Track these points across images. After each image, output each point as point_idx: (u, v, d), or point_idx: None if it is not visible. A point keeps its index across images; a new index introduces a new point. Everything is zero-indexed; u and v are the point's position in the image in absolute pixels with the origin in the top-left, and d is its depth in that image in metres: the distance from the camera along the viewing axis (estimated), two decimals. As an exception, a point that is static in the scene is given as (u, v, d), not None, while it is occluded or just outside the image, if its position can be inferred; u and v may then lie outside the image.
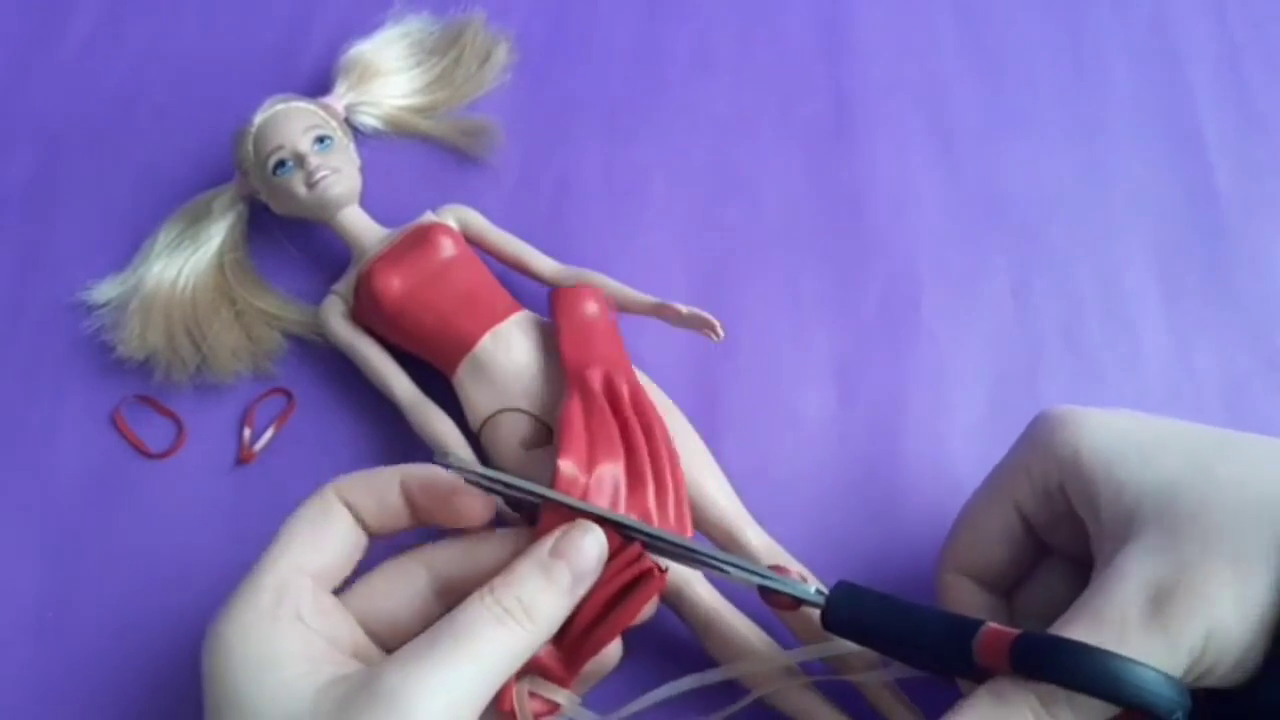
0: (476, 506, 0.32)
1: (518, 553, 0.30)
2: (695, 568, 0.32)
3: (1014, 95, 0.49)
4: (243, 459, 0.42)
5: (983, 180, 0.47)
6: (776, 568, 0.32)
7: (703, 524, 0.38)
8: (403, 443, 0.41)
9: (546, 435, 0.38)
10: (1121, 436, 0.30)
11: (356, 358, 0.41)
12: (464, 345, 0.39)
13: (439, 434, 0.39)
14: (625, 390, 0.37)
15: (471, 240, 0.43)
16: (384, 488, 0.32)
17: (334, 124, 0.44)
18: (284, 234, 0.45)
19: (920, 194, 0.47)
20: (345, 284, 0.42)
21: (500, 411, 0.39)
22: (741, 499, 0.38)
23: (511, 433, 0.38)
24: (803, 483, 0.41)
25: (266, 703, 0.27)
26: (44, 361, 0.44)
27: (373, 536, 0.32)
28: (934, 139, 0.48)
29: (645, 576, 0.30)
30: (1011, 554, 0.33)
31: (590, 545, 0.30)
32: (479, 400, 0.39)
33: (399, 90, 0.48)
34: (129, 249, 0.45)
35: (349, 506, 0.32)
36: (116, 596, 0.39)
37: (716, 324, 0.39)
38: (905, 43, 0.50)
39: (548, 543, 0.30)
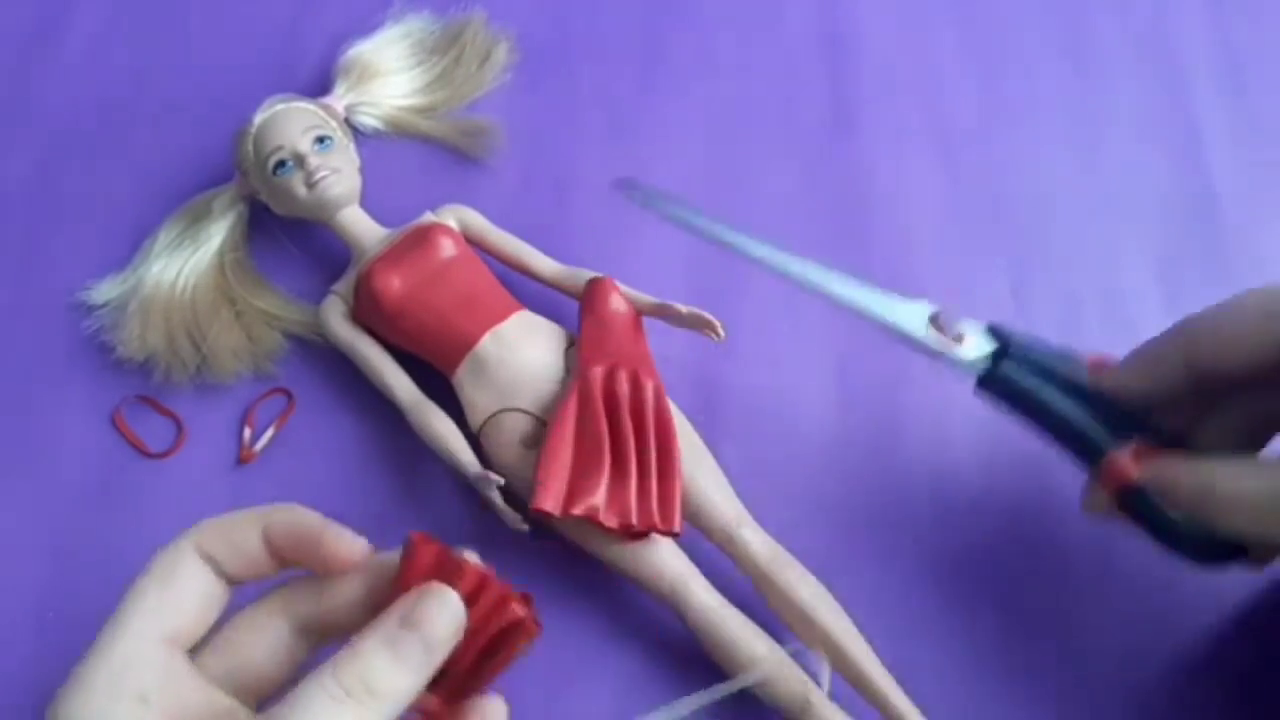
0: (346, 550, 0.28)
1: (375, 590, 0.28)
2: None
3: (1014, 95, 0.49)
4: (243, 459, 0.42)
5: (983, 180, 0.47)
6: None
7: (702, 524, 0.38)
8: (403, 443, 0.41)
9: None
10: None
11: (356, 358, 0.41)
12: (464, 345, 0.39)
13: (439, 434, 0.39)
14: (625, 386, 0.37)
15: (471, 240, 0.43)
16: (243, 535, 0.28)
17: (334, 124, 0.44)
18: (284, 234, 0.45)
19: (920, 194, 0.47)
20: (345, 284, 0.42)
21: (501, 411, 0.39)
22: (741, 499, 0.38)
23: (512, 432, 0.38)
24: (803, 483, 0.41)
25: None
26: (44, 362, 0.44)
27: (234, 585, 0.29)
28: (934, 139, 0.48)
29: (514, 627, 0.27)
30: (1244, 360, 0.32)
31: (443, 615, 0.26)
32: (479, 400, 0.39)
33: (399, 90, 0.48)
34: (129, 249, 0.45)
35: (206, 557, 0.28)
36: (116, 596, 0.39)
37: (716, 324, 0.39)
38: (905, 43, 0.50)
39: (396, 611, 0.26)
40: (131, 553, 0.39)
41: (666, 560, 0.37)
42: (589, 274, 0.42)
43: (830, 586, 0.37)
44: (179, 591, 0.28)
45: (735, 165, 0.48)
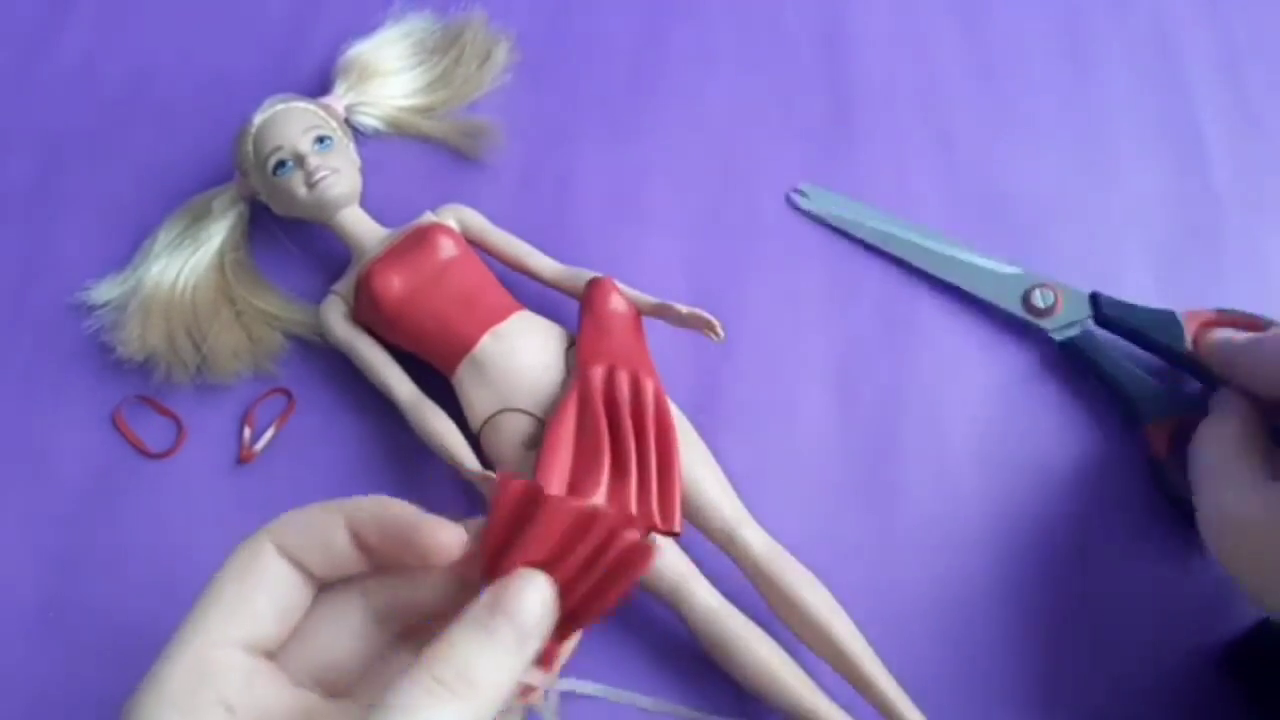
0: (446, 541, 0.26)
1: (458, 575, 0.27)
2: None
3: (1014, 96, 0.49)
4: (243, 459, 0.42)
5: (983, 180, 0.47)
6: None
7: (702, 524, 0.38)
8: (403, 443, 0.41)
9: (546, 435, 0.38)
10: None
11: (356, 358, 0.41)
12: (464, 345, 0.39)
13: (439, 434, 0.39)
14: (625, 386, 0.38)
15: (471, 240, 0.43)
16: (327, 530, 0.27)
17: (334, 124, 0.44)
18: (284, 234, 0.45)
19: (920, 194, 0.47)
20: (345, 284, 0.42)
21: (500, 411, 0.39)
22: (741, 499, 0.38)
23: (512, 433, 0.38)
24: (803, 483, 0.41)
25: None
26: (44, 362, 0.44)
27: (319, 585, 0.27)
28: (934, 139, 0.48)
29: (628, 554, 0.26)
30: None
31: (533, 597, 0.25)
32: (479, 400, 0.39)
33: (399, 90, 0.48)
34: (129, 249, 0.45)
35: (287, 554, 0.27)
36: (116, 596, 0.39)
37: (716, 324, 0.39)
38: (905, 43, 0.50)
39: (485, 599, 0.25)
40: (132, 553, 0.40)
41: (667, 560, 0.36)
42: (589, 274, 0.42)
43: (830, 586, 0.37)
44: (258, 593, 0.26)
45: (735, 165, 0.48)
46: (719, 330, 0.39)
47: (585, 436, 0.37)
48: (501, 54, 0.49)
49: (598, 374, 0.38)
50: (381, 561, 0.27)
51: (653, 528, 0.36)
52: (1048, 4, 0.51)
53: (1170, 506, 0.39)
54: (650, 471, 0.36)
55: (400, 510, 0.26)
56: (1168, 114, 0.48)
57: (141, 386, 0.43)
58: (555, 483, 0.36)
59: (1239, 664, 0.32)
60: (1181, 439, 0.38)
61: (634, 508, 0.36)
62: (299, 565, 0.27)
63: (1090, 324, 0.42)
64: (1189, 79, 0.49)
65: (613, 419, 0.37)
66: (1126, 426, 0.41)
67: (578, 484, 0.36)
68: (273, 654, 0.27)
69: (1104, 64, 0.50)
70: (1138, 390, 0.40)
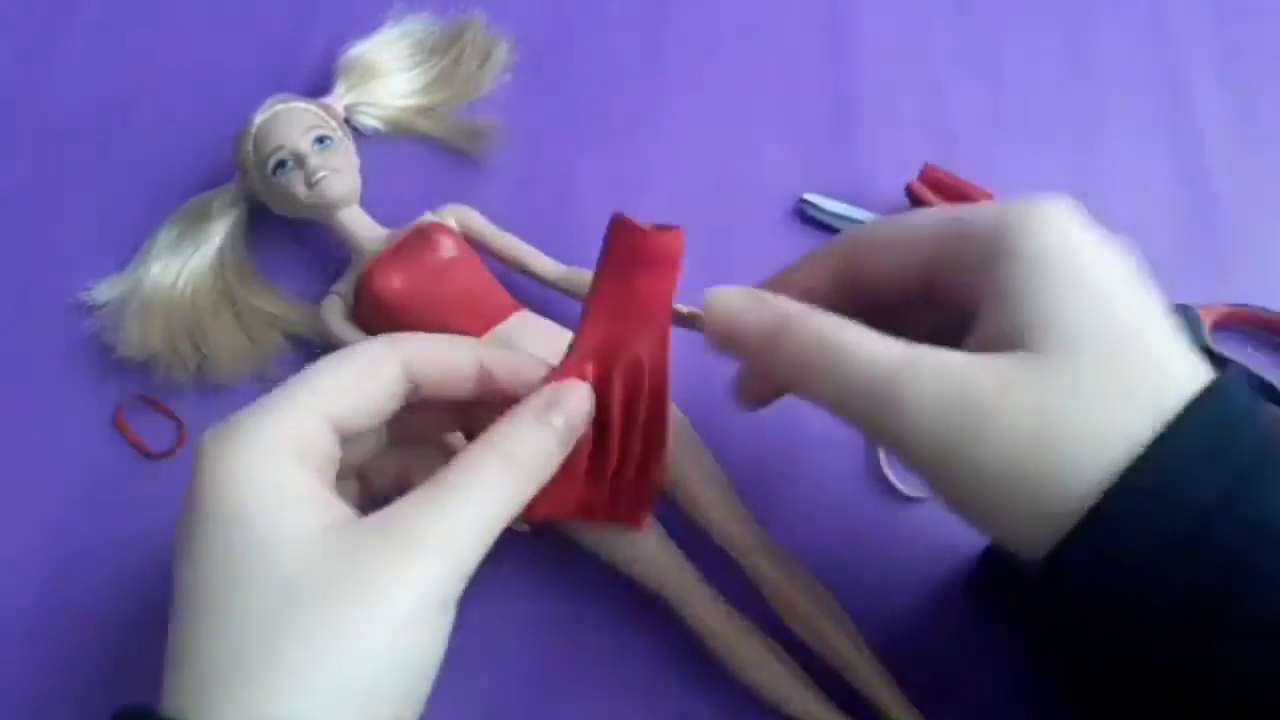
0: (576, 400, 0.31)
1: (485, 365, 0.31)
2: None
3: (1014, 95, 0.49)
4: (243, 459, 0.41)
5: (982, 180, 0.47)
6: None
7: (702, 525, 0.38)
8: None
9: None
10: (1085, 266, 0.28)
11: (357, 358, 0.41)
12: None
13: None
14: (619, 385, 0.33)
15: (472, 240, 0.43)
16: (457, 354, 0.31)
17: (334, 124, 0.44)
18: (284, 234, 0.45)
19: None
20: (345, 284, 0.42)
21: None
22: (742, 500, 0.38)
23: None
24: (802, 482, 0.41)
25: (273, 532, 0.26)
26: (45, 362, 0.44)
27: (420, 398, 0.31)
28: (934, 139, 0.48)
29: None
30: (898, 279, 0.31)
31: (580, 398, 0.31)
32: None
33: (399, 90, 0.48)
34: (129, 249, 0.45)
35: (409, 368, 0.30)
36: (116, 597, 0.39)
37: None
38: (905, 43, 0.50)
39: (539, 399, 0.30)
40: (132, 553, 0.40)
41: (666, 560, 0.37)
42: (589, 274, 0.41)
43: (831, 587, 0.37)
44: (369, 387, 0.30)
45: (735, 165, 0.48)
46: (719, 330, 0.39)
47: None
48: (501, 54, 0.49)
49: (589, 374, 0.33)
50: (494, 396, 0.32)
51: (614, 519, 0.35)
52: (1048, 4, 0.51)
53: None
54: (629, 464, 0.34)
55: (532, 364, 0.32)
56: (1168, 114, 0.48)
57: (142, 387, 0.43)
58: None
59: (973, 591, 0.32)
60: None
61: (604, 495, 0.34)
62: (412, 373, 0.30)
63: None
64: (1189, 79, 0.49)
65: (599, 422, 0.33)
66: None
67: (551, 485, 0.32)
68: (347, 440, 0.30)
69: (1104, 64, 0.50)
70: None
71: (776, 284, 0.33)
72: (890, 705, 0.35)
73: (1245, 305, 0.43)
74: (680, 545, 0.37)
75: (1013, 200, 0.29)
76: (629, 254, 0.32)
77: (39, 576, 0.40)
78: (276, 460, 0.27)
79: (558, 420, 0.30)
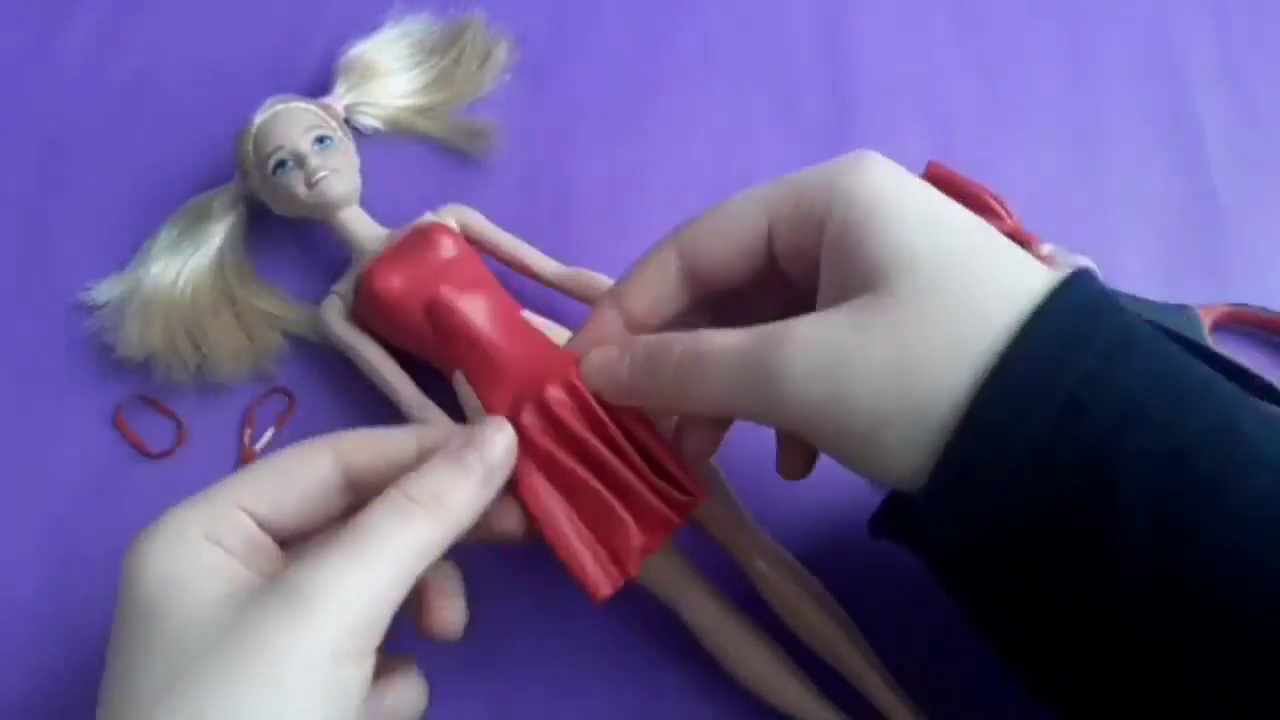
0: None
1: (425, 446, 0.30)
2: None
3: (1013, 96, 0.49)
4: (243, 459, 0.42)
5: (982, 180, 0.47)
6: None
7: (703, 525, 0.38)
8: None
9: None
10: (907, 204, 0.29)
11: (356, 358, 0.41)
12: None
13: (439, 434, 0.39)
14: (564, 406, 0.32)
15: (472, 240, 0.43)
16: (396, 449, 0.30)
17: (334, 124, 0.44)
18: (284, 234, 0.45)
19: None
20: (345, 284, 0.42)
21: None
22: (742, 500, 0.38)
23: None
24: (803, 483, 0.41)
25: (173, 612, 0.26)
26: (45, 362, 0.44)
27: (360, 496, 0.30)
28: (934, 139, 0.48)
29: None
30: (741, 263, 0.31)
31: (499, 439, 0.30)
32: (479, 401, 0.39)
33: (399, 90, 0.48)
34: (130, 250, 0.45)
35: (345, 463, 0.30)
36: (116, 597, 0.39)
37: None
38: (905, 43, 0.50)
39: (458, 439, 0.30)
40: (131, 553, 0.40)
41: (668, 562, 0.36)
42: (590, 274, 0.42)
43: (831, 588, 0.37)
44: (295, 485, 0.29)
45: (735, 165, 0.48)
46: (719, 330, 0.39)
47: (569, 490, 0.32)
48: (501, 54, 0.49)
49: (529, 418, 0.32)
50: None
51: (688, 510, 0.34)
52: (1047, 5, 0.51)
53: None
54: (644, 467, 0.33)
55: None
56: (1168, 114, 0.48)
57: (142, 386, 0.43)
58: (592, 563, 0.32)
59: (880, 528, 0.31)
60: None
61: (661, 507, 0.33)
62: (350, 472, 0.30)
63: None
64: (1189, 79, 0.49)
65: (575, 448, 0.33)
66: None
67: (595, 527, 0.32)
68: (280, 542, 0.29)
69: (1104, 64, 0.50)
70: None
71: (624, 304, 0.33)
72: (891, 704, 0.35)
73: (1245, 305, 0.43)
74: (680, 545, 0.37)
75: (837, 159, 0.30)
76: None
77: (39, 576, 0.40)
78: (185, 541, 0.27)
79: (472, 458, 0.29)
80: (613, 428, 0.32)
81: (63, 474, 0.42)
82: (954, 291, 0.27)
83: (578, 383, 0.32)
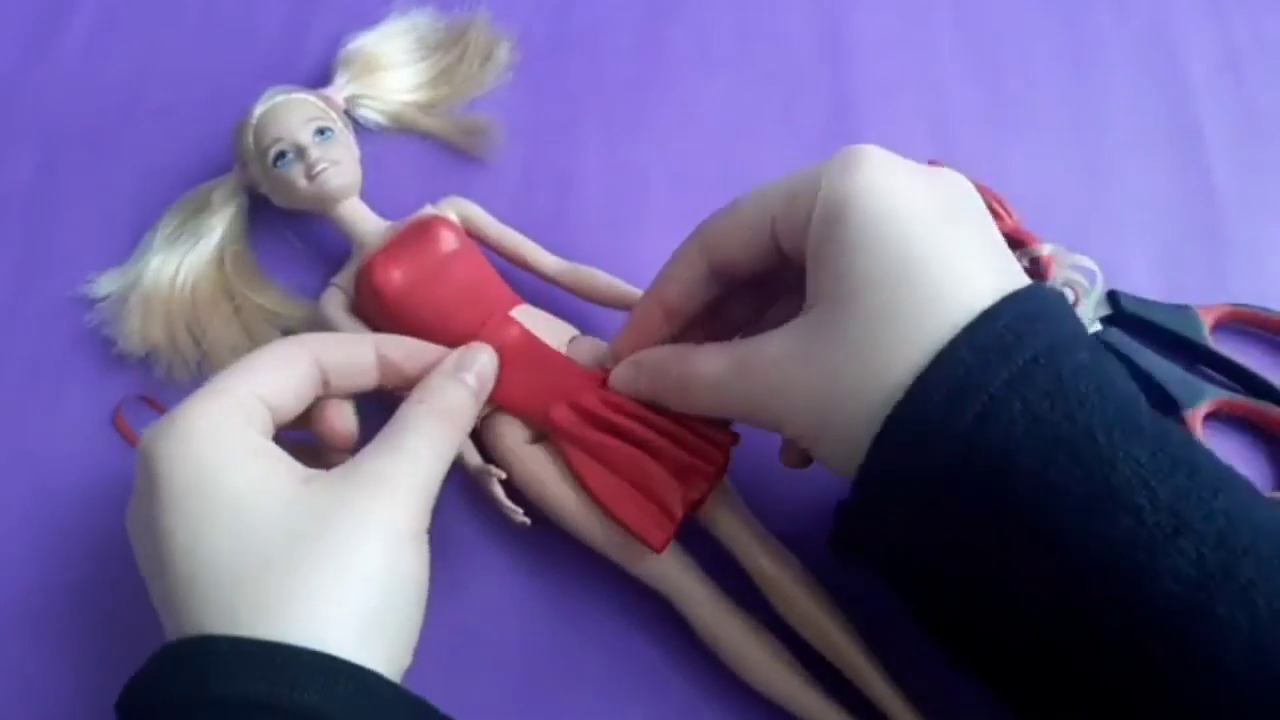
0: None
1: (381, 353, 0.35)
2: None
3: (1014, 95, 0.49)
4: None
5: (982, 180, 0.47)
6: None
7: (705, 524, 0.37)
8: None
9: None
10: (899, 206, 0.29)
11: (356, 351, 0.41)
12: (465, 339, 0.39)
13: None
14: (591, 395, 0.37)
15: (472, 234, 0.43)
16: (358, 351, 0.34)
17: (334, 116, 0.44)
18: (284, 227, 0.45)
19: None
20: (345, 276, 0.42)
21: (501, 405, 0.38)
22: (742, 498, 0.38)
23: (513, 427, 0.38)
24: (803, 481, 0.41)
25: (260, 484, 0.29)
26: (46, 357, 0.43)
27: (327, 396, 0.34)
28: (934, 139, 0.48)
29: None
30: (756, 258, 0.33)
31: (484, 356, 0.36)
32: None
33: (400, 84, 0.48)
34: (130, 244, 0.45)
35: (320, 365, 0.33)
36: (115, 593, 0.39)
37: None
38: (905, 43, 0.51)
39: (450, 361, 0.35)
40: (130, 552, 0.39)
41: (668, 558, 0.36)
42: (590, 271, 0.42)
43: (831, 585, 0.36)
44: (289, 375, 0.33)
45: (735, 165, 0.48)
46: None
47: (612, 462, 0.37)
48: (504, 53, 0.50)
49: (562, 411, 0.37)
50: (394, 385, 0.35)
51: (724, 456, 0.37)
52: (1048, 4, 0.51)
53: None
54: (672, 430, 0.36)
55: (427, 350, 0.36)
56: (1168, 114, 0.48)
57: (143, 381, 0.43)
58: (643, 516, 0.36)
59: (838, 545, 0.33)
60: (1221, 422, 0.41)
61: (697, 463, 0.36)
62: (324, 371, 0.33)
63: (1107, 321, 0.42)
64: (1189, 79, 0.49)
65: (610, 427, 0.37)
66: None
67: (640, 486, 0.36)
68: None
69: (1104, 64, 0.50)
70: (1173, 380, 0.41)
71: (661, 298, 0.36)
72: (889, 700, 0.35)
73: (1245, 305, 0.43)
74: (682, 543, 0.37)
75: (833, 157, 0.31)
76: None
77: (38, 574, 0.39)
78: (236, 428, 0.30)
79: (469, 377, 0.35)
80: (636, 406, 0.37)
81: (63, 472, 0.41)
82: (884, 316, 0.28)
83: (590, 381, 0.38)
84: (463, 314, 0.39)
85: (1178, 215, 0.46)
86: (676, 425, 0.36)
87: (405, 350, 0.35)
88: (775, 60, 0.50)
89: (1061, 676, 0.28)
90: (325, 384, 0.34)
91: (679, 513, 0.35)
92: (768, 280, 0.35)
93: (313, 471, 0.31)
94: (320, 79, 0.47)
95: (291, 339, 0.34)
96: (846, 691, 0.35)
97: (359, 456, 0.31)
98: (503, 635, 0.38)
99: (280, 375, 0.32)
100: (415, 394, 0.33)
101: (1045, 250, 0.42)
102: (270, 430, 0.32)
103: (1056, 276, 0.42)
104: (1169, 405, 0.41)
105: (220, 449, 0.29)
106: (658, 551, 0.35)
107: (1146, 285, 0.44)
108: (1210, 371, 0.42)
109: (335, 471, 0.30)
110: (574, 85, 0.50)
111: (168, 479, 0.29)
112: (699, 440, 0.36)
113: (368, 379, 0.35)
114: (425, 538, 0.31)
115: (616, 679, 0.38)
